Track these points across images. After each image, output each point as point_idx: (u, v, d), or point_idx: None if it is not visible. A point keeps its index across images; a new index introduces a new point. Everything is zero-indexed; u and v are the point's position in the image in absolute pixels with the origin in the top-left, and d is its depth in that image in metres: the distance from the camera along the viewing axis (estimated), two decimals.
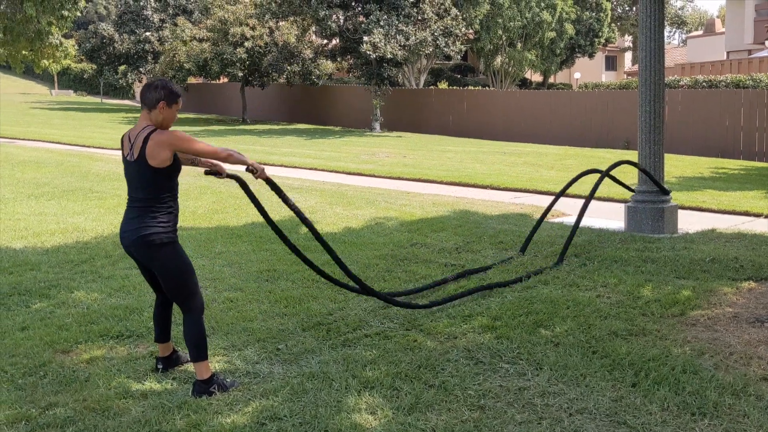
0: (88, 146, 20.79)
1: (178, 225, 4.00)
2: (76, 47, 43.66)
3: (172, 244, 3.88)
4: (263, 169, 4.17)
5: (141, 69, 42.96)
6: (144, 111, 3.88)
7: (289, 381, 4.06)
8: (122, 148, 3.95)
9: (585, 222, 8.88)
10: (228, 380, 4.04)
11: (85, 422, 3.61)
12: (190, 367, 4.22)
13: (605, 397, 3.84)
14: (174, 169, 3.88)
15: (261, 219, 9.17)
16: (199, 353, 3.94)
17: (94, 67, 44.31)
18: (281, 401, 3.81)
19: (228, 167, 4.22)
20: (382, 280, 6.23)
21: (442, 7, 27.68)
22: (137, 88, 53.97)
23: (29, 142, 21.93)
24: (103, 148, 20.48)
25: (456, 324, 5.02)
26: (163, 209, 3.86)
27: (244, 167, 4.08)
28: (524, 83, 40.12)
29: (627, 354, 4.37)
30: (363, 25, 26.63)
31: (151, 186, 3.82)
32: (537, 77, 43.47)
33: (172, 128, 3.94)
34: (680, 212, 9.00)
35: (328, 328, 4.98)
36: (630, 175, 13.63)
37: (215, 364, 4.34)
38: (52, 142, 22.07)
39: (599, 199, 11.16)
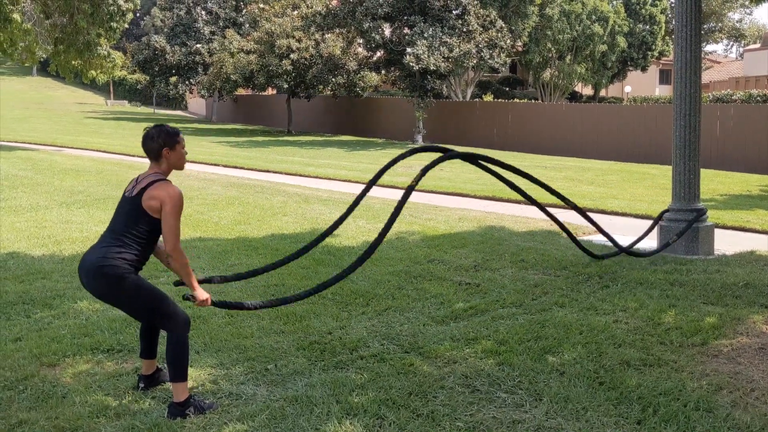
0: (133, 155, 21.06)
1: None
2: (130, 58, 44.80)
3: (129, 275, 3.66)
4: (206, 300, 3.77)
5: (191, 80, 43.71)
6: (152, 163, 3.84)
7: (270, 404, 3.85)
8: (126, 188, 3.86)
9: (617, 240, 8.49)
10: (207, 401, 3.86)
11: None
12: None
13: None
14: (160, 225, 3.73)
15: (282, 231, 9.14)
16: (178, 374, 3.76)
17: (147, 78, 45.25)
18: (257, 426, 3.61)
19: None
20: (391, 297, 5.99)
21: (488, 19, 27.37)
22: (189, 99, 55.06)
23: (76, 151, 22.40)
24: (145, 156, 20.74)
25: (458, 347, 4.75)
26: (132, 247, 3.68)
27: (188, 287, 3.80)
28: (574, 96, 39.46)
29: (637, 387, 4.04)
30: (407, 37, 26.51)
31: (135, 223, 3.69)
32: (588, 90, 42.73)
33: (175, 186, 3.74)
34: (720, 232, 8.53)
35: (323, 347, 4.77)
36: (665, 192, 13.10)
37: (199, 382, 4.17)
38: (99, 151, 22.50)
39: (637, 216, 10.71)
